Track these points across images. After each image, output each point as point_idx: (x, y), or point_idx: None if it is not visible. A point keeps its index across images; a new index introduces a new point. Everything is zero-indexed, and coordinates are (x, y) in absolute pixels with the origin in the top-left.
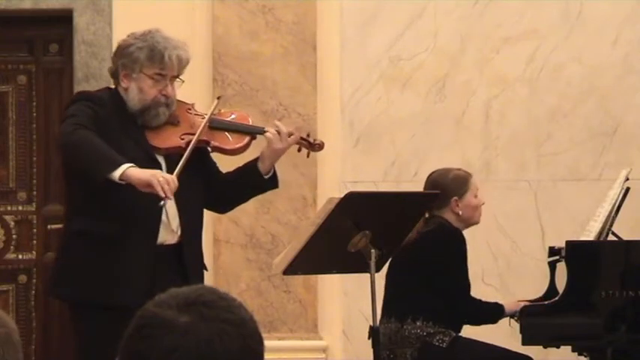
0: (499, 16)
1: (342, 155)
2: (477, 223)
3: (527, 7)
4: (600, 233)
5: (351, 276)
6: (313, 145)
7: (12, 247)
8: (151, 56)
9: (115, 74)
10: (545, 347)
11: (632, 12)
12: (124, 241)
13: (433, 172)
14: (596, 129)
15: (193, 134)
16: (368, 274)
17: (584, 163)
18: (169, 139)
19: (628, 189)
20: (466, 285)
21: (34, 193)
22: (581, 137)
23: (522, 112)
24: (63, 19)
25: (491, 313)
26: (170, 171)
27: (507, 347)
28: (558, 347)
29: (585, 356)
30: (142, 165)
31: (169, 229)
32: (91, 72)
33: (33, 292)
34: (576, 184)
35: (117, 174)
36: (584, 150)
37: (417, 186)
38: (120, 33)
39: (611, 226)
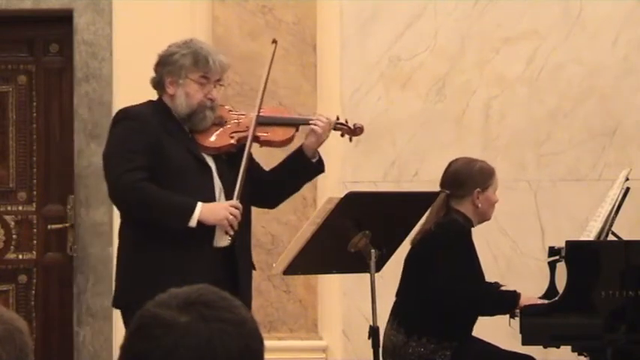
0: (499, 16)
1: (342, 155)
2: (489, 219)
3: (527, 7)
4: (600, 233)
5: (351, 276)
6: (354, 130)
7: (12, 247)
8: (195, 61)
9: (159, 84)
10: (545, 347)
11: (632, 12)
12: (182, 247)
13: (457, 160)
14: (596, 129)
15: (242, 131)
16: (368, 274)
17: (584, 163)
18: (219, 138)
19: (628, 189)
20: (460, 275)
21: (34, 193)
22: (581, 137)
23: (522, 112)
24: (63, 19)
25: (500, 300)
26: (220, 172)
27: (507, 347)
28: (558, 347)
29: (585, 356)
30: (192, 170)
31: (222, 232)
32: (91, 72)
33: (33, 292)
34: (576, 184)
35: (193, 224)
36: (584, 150)
37: (417, 186)
38: (120, 33)
39: (611, 226)
